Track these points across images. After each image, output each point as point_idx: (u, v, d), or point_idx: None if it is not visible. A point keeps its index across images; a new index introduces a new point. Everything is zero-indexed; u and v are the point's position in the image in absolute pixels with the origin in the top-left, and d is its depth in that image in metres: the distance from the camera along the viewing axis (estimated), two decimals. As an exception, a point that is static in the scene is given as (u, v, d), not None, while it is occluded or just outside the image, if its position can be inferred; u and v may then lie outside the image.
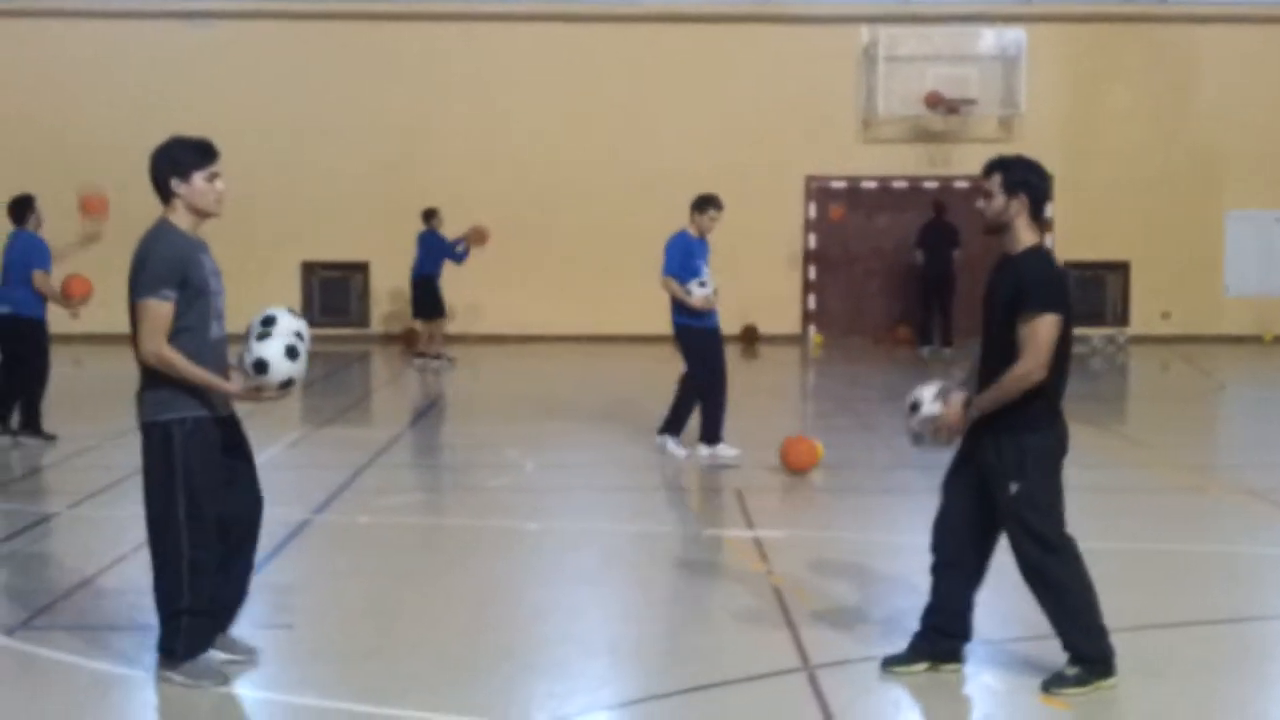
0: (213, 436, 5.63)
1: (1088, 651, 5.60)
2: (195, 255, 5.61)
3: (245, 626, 6.06)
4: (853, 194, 22.93)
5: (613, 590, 7.39)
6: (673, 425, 11.66)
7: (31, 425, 11.98)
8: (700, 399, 11.51)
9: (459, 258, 19.30)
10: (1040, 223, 5.72)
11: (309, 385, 17.03)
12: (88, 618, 6.77)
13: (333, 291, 22.76)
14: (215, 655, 5.78)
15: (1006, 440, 5.57)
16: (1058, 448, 5.69)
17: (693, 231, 11.63)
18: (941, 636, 5.84)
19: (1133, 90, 22.87)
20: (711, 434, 11.39)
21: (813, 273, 23.03)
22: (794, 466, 10.79)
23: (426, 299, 19.18)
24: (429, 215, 19.33)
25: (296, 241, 22.37)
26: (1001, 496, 5.59)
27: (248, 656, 5.94)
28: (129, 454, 11.55)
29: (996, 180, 5.67)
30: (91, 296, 12.19)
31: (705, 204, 11.62)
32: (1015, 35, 22.39)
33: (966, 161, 22.63)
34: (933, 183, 22.47)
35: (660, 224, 21.77)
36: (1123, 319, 23.11)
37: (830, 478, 11.24)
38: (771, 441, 11.32)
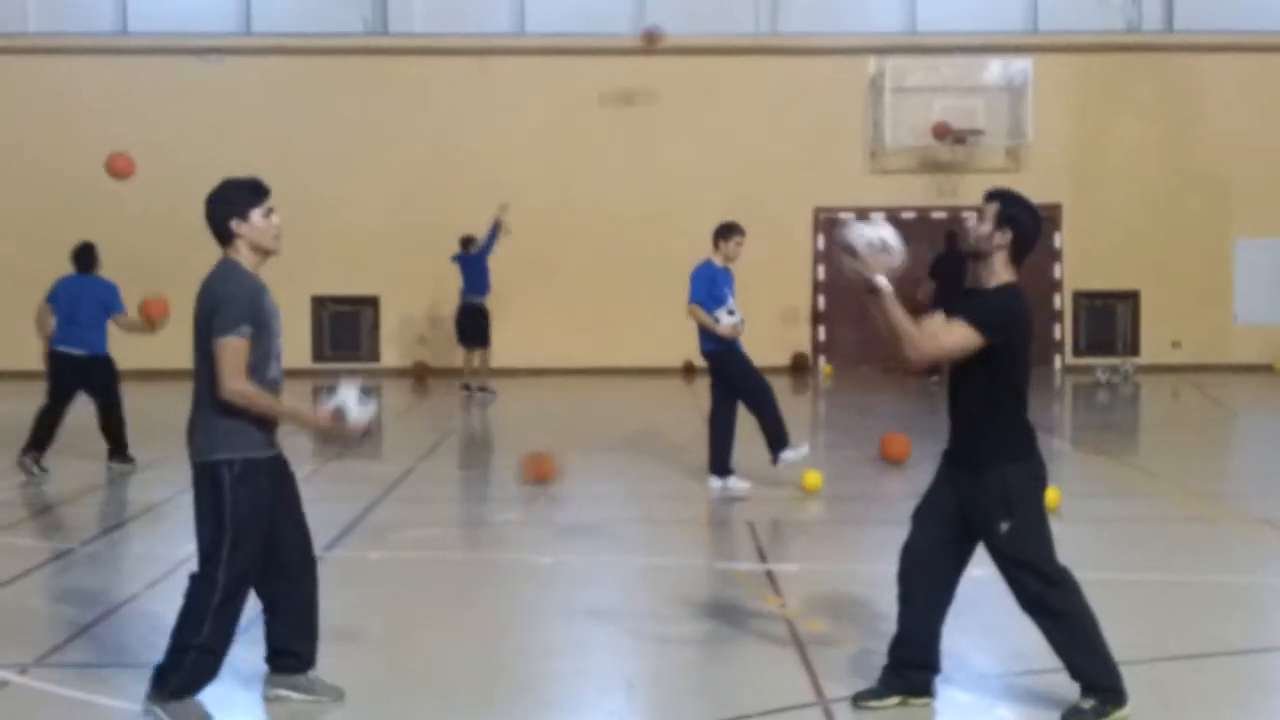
0: (262, 478, 5.69)
1: (1099, 681, 5.57)
2: (261, 295, 5.68)
3: (255, 662, 6.04)
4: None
5: (627, 625, 7.38)
6: (718, 465, 11.47)
7: (123, 453, 12.70)
8: (757, 414, 11.41)
9: (492, 239, 19.34)
10: (1018, 265, 5.67)
11: (320, 419, 17.01)
12: (101, 656, 6.76)
13: (343, 326, 22.83)
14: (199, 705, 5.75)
15: (990, 475, 5.54)
16: (1038, 478, 5.66)
17: (717, 260, 11.61)
18: (911, 669, 5.82)
19: (1140, 119, 22.92)
20: (779, 441, 11.34)
21: (822, 303, 23.05)
22: (892, 458, 12.33)
23: (479, 326, 19.35)
24: (468, 242, 19.42)
25: (306, 276, 22.42)
26: (993, 537, 5.56)
27: (333, 697, 5.96)
28: (142, 491, 11.63)
29: (993, 208, 5.68)
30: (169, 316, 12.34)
31: (729, 231, 11.61)
32: (1021, 65, 22.47)
33: (975, 192, 22.61)
34: (941, 213, 22.49)
35: (670, 255, 21.93)
36: (1133, 348, 23.11)
37: (841, 510, 11.23)
38: (781, 475, 11.34)
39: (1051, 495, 10.08)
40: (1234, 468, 14.36)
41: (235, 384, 5.53)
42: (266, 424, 5.70)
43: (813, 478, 11.31)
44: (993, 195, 5.76)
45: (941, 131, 22.34)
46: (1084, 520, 10.12)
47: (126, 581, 8.18)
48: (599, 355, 22.42)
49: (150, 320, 12.04)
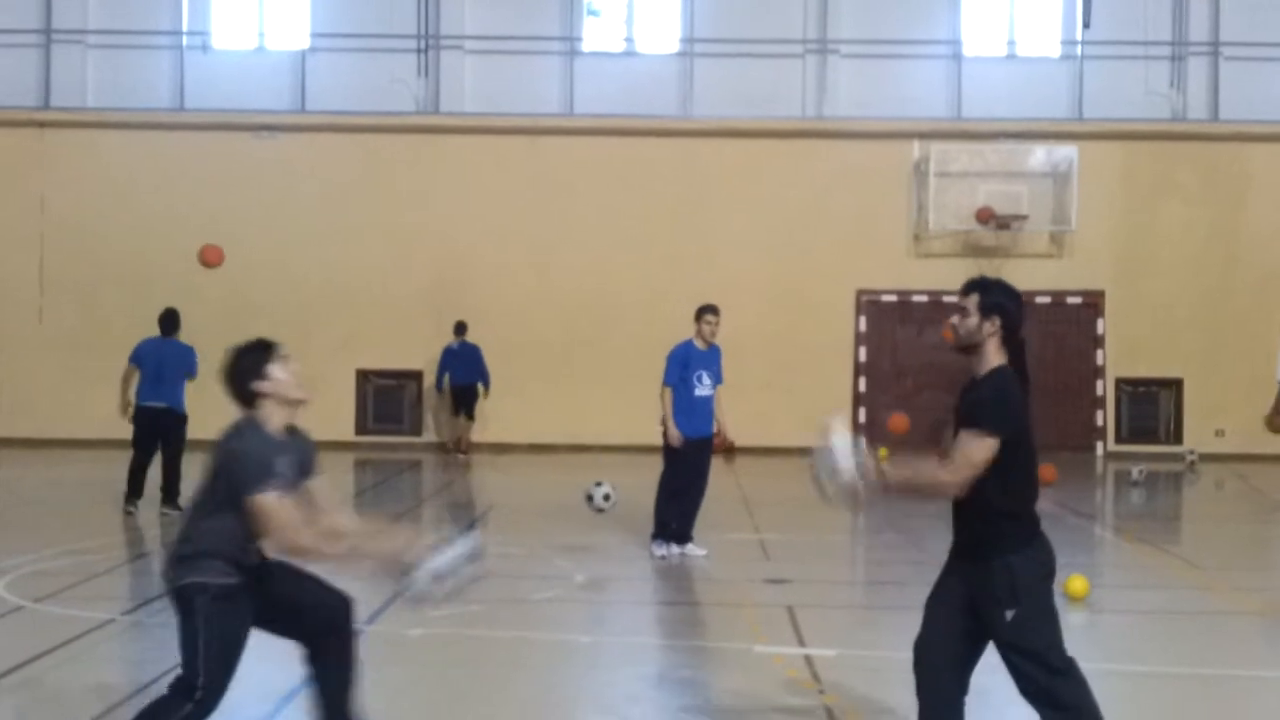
0: (240, 602, 5.66)
1: None
2: (279, 453, 5.61)
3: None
4: (904, 307, 23.04)
5: (666, 706, 7.38)
6: (666, 530, 12.24)
7: (174, 500, 13.96)
8: (671, 499, 12.26)
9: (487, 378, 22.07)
10: (1011, 347, 5.64)
11: (361, 493, 17.16)
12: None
13: (387, 400, 23.01)
14: None
15: (997, 564, 5.49)
16: (1044, 567, 5.58)
17: (697, 342, 12.09)
18: None
19: (1185, 207, 22.94)
20: (657, 530, 12.23)
21: (863, 385, 23.06)
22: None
23: (471, 403, 21.78)
24: (463, 327, 21.60)
25: (352, 349, 22.65)
26: (998, 624, 5.51)
27: None
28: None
29: (974, 300, 5.63)
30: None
31: (700, 312, 12.43)
32: (1066, 152, 22.55)
33: (1019, 277, 22.59)
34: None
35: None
36: (1176, 436, 22.98)
37: (880, 595, 11.20)
38: (820, 558, 11.33)
39: (1080, 585, 10.06)
40: (1278, 560, 14.22)
41: (301, 539, 5.50)
42: (244, 550, 5.63)
43: (1079, 584, 10.29)
44: (970, 286, 5.72)
45: (985, 216, 22.42)
46: (1123, 611, 10.07)
47: (168, 652, 8.23)
48: (641, 433, 22.39)
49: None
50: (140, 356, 14.44)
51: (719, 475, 19.66)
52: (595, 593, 10.77)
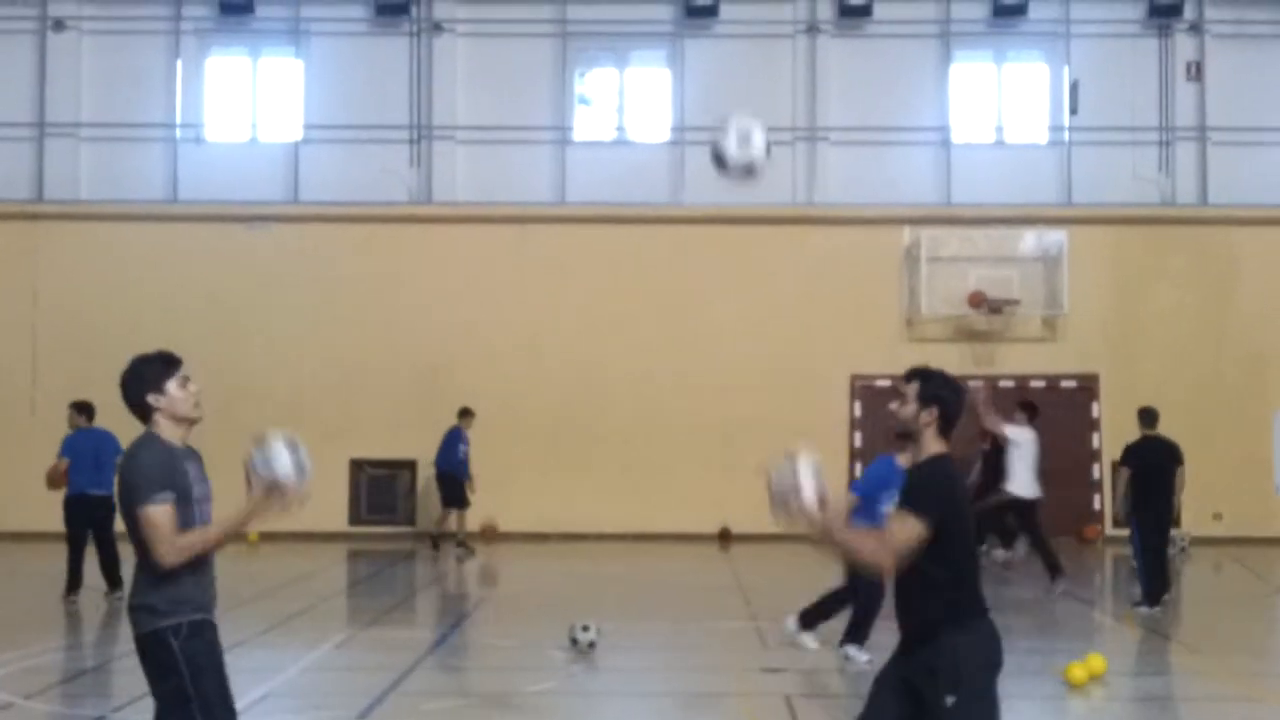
0: (210, 634, 5.55)
1: None
2: (179, 463, 5.58)
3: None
4: (897, 392, 22.95)
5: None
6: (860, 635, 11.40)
7: (120, 584, 14.27)
8: (852, 600, 11.47)
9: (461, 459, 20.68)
10: (948, 437, 5.69)
11: (355, 584, 17.01)
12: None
13: (380, 489, 22.88)
14: None
15: (943, 643, 5.42)
16: (991, 654, 5.49)
17: (902, 459, 11.20)
18: None
19: (1176, 290, 23.01)
20: (850, 633, 11.29)
21: (859, 470, 22.95)
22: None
23: (462, 491, 20.38)
24: (467, 414, 20.50)
25: (345, 439, 22.56)
26: (939, 710, 5.41)
27: None
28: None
29: (914, 389, 5.74)
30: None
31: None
32: (1056, 237, 22.67)
33: (1011, 361, 22.74)
34: (977, 382, 22.49)
35: (706, 421, 22.01)
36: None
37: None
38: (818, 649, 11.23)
39: (1081, 673, 9.96)
40: (1278, 645, 14.10)
41: (166, 550, 5.41)
42: (203, 589, 5.57)
43: (1079, 672, 10.14)
44: (911, 375, 5.83)
45: (977, 301, 22.47)
46: (1124, 698, 9.94)
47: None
48: (635, 521, 22.35)
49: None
50: (77, 448, 14.67)
51: (714, 561, 19.65)
52: (591, 685, 10.64)
